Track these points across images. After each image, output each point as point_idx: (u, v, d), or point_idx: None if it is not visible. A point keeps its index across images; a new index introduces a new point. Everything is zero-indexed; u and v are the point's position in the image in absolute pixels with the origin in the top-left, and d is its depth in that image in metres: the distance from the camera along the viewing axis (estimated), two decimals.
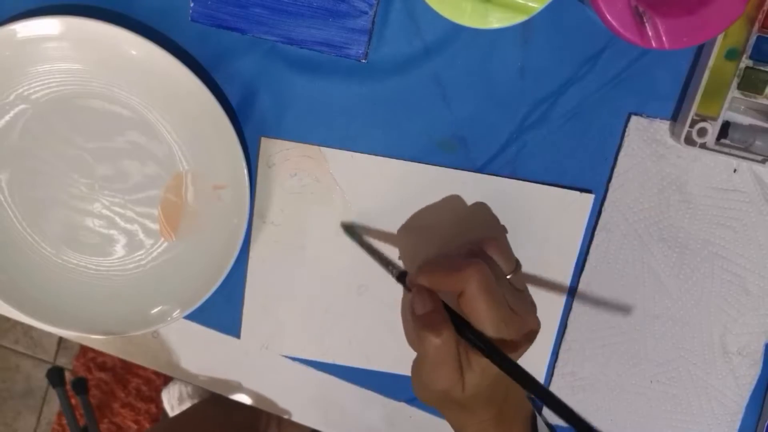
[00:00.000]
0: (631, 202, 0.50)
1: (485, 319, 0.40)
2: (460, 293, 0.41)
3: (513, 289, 0.43)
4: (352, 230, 0.51)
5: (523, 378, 0.39)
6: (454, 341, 0.40)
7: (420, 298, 0.42)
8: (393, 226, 0.51)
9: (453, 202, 0.50)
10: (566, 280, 0.52)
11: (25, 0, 0.48)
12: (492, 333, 0.40)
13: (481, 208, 0.50)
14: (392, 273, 0.47)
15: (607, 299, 0.52)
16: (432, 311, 0.41)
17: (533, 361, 0.53)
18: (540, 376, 0.53)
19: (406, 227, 0.51)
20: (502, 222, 0.50)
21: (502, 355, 0.40)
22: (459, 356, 0.41)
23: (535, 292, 0.52)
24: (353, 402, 0.55)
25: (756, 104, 0.46)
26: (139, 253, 0.53)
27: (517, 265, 0.45)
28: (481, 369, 0.41)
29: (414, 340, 0.43)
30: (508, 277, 0.44)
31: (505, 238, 0.51)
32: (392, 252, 0.51)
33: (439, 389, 0.42)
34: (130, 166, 0.50)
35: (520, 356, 0.42)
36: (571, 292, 0.52)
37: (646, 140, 0.49)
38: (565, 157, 0.49)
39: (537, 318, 0.44)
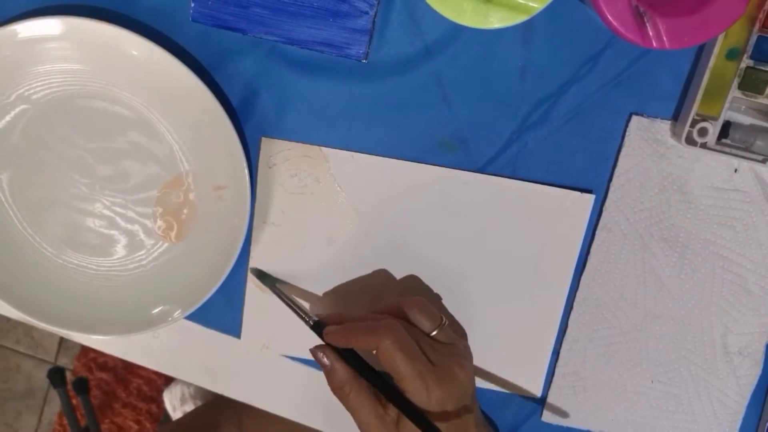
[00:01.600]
0: (632, 202, 0.50)
1: (403, 373, 0.42)
2: (376, 350, 0.43)
3: (434, 344, 0.45)
4: (265, 277, 0.51)
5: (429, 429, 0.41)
6: (365, 398, 0.44)
7: (320, 358, 0.45)
8: (393, 227, 0.51)
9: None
10: (567, 280, 0.52)
11: (26, 0, 0.48)
12: (412, 386, 0.42)
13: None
14: (307, 323, 0.47)
15: (608, 299, 0.52)
16: (332, 369, 0.45)
17: (534, 362, 0.53)
18: (541, 377, 0.53)
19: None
20: (503, 222, 0.50)
21: (405, 401, 0.42)
22: (381, 413, 0.44)
23: (536, 292, 0.52)
24: None
25: (757, 104, 0.46)
26: (139, 254, 0.53)
27: (441, 321, 0.46)
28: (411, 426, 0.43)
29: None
30: (433, 333, 0.46)
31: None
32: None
33: None
34: (131, 167, 0.50)
35: (452, 414, 0.44)
36: (572, 292, 0.52)
37: (647, 140, 0.49)
38: (566, 157, 0.49)
39: (465, 371, 0.45)
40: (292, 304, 0.49)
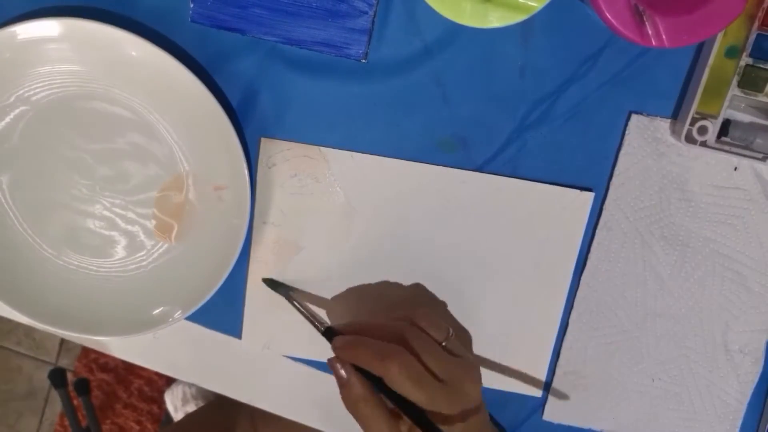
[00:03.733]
0: (631, 200, 0.50)
1: (413, 400, 0.42)
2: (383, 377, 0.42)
3: (445, 357, 0.44)
4: (278, 286, 0.51)
5: None
6: (380, 413, 0.43)
7: (335, 369, 0.44)
8: (393, 227, 0.51)
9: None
10: (567, 279, 0.52)
11: (25, 2, 0.48)
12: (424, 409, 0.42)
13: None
14: (319, 329, 0.47)
15: (608, 298, 0.52)
16: (349, 383, 0.44)
17: (535, 361, 0.53)
18: (542, 376, 0.53)
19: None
20: (503, 221, 0.50)
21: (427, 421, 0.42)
22: (394, 427, 0.43)
23: (536, 291, 0.52)
24: None
25: (756, 102, 0.46)
26: (140, 255, 0.53)
27: (449, 333, 0.46)
28: None
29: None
30: (443, 344, 0.45)
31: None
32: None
33: None
34: (131, 168, 0.50)
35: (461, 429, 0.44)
36: (573, 291, 0.52)
37: (647, 138, 0.49)
38: (565, 155, 0.49)
39: (475, 383, 0.45)
40: (305, 312, 0.49)
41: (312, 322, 0.48)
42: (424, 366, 0.43)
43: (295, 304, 0.50)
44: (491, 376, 0.54)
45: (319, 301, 0.53)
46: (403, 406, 0.43)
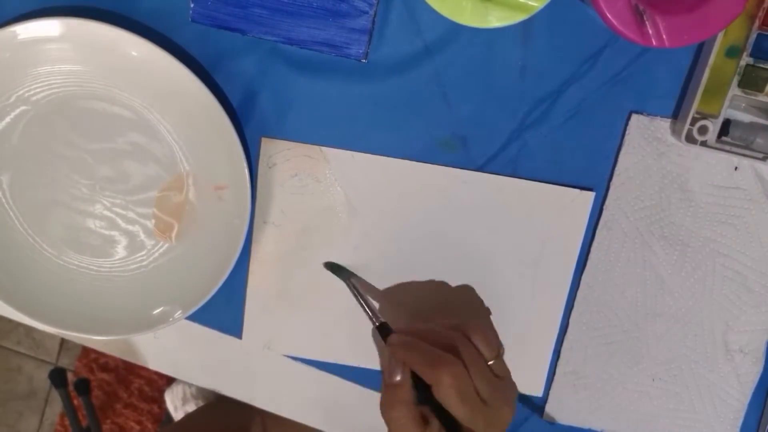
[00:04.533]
0: (632, 200, 0.50)
1: (455, 414, 0.42)
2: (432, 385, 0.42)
3: (490, 377, 0.44)
4: (340, 270, 0.51)
5: None
6: (417, 424, 0.43)
7: (392, 368, 0.44)
8: (393, 227, 0.51)
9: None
10: (568, 279, 0.52)
11: (25, 2, 0.48)
12: (463, 425, 0.43)
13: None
14: (374, 323, 0.48)
15: (608, 298, 0.52)
16: (399, 385, 0.44)
17: (535, 361, 0.53)
18: (542, 376, 0.53)
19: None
20: (503, 221, 0.50)
21: None
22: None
23: (537, 291, 0.52)
24: (355, 401, 0.55)
25: (757, 102, 0.46)
26: (140, 254, 0.53)
27: (498, 351, 0.45)
28: None
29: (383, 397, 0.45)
30: (489, 363, 0.45)
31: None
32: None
33: None
34: (131, 167, 0.50)
35: None
36: (573, 290, 0.52)
37: (647, 138, 0.49)
38: (565, 155, 0.49)
39: (512, 408, 0.44)
40: (362, 301, 0.49)
41: (368, 314, 0.48)
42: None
43: (354, 291, 0.49)
44: None
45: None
46: (442, 417, 0.43)
